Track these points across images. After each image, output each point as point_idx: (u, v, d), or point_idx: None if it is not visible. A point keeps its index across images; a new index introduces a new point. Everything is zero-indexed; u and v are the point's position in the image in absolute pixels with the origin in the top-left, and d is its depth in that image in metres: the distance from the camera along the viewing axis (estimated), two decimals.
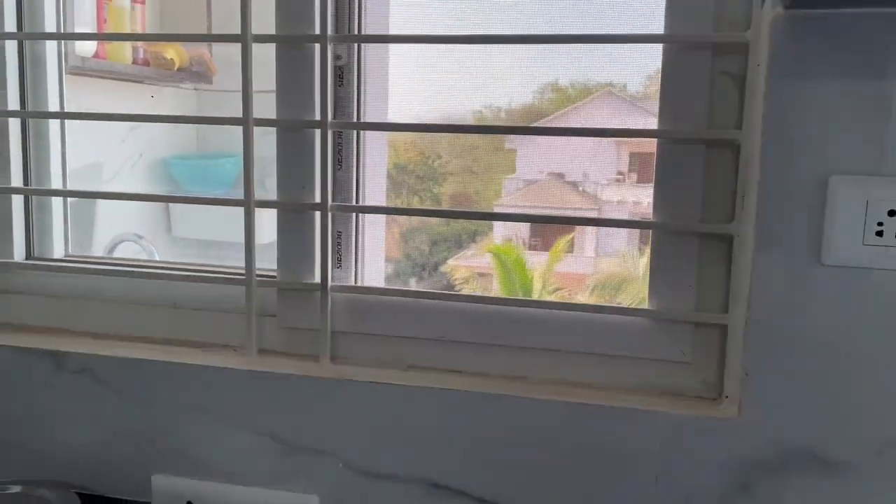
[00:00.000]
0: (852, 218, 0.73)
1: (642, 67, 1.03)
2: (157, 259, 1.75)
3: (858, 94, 0.72)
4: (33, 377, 0.97)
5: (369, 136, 0.98)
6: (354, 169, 0.97)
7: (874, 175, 0.73)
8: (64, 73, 1.08)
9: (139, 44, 1.76)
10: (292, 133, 0.93)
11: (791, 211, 0.76)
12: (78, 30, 1.49)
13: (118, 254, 1.76)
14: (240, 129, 0.91)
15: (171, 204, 1.99)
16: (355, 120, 0.94)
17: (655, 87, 0.83)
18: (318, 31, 0.89)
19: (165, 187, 1.97)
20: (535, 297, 4.86)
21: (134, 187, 1.90)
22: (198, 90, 2.02)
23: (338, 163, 0.96)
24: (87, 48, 1.53)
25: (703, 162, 0.82)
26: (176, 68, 1.80)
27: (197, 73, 1.86)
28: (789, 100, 0.74)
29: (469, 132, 1.38)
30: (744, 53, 0.78)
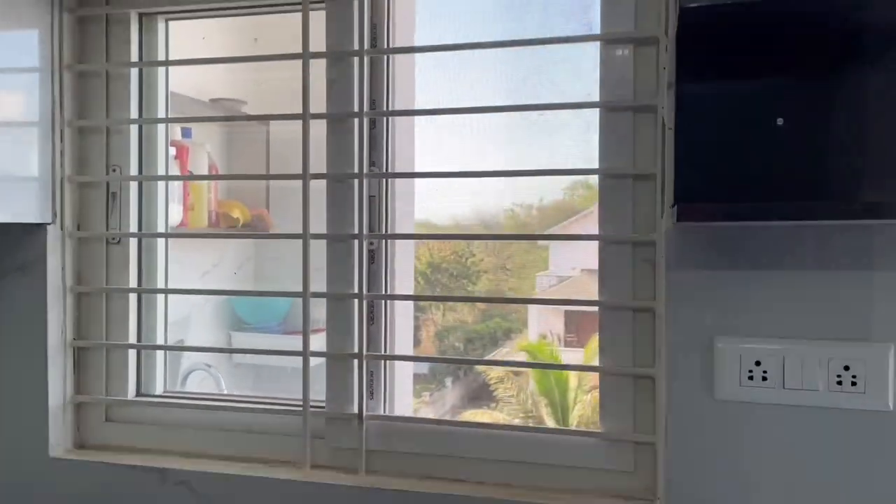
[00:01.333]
0: (731, 366, 1.03)
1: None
2: (223, 385, 2.10)
3: (728, 278, 1.04)
4: (144, 488, 1.29)
5: (398, 285, 1.32)
6: (384, 325, 1.30)
7: (744, 335, 1.03)
8: (168, 255, 1.46)
9: (213, 206, 2.17)
10: (338, 301, 1.27)
11: (691, 360, 1.06)
12: (171, 205, 1.90)
13: (191, 379, 2.11)
14: (289, 271, 1.26)
15: (231, 335, 2.35)
16: (384, 292, 1.29)
17: None
18: (356, 231, 1.25)
19: (229, 321, 2.35)
20: (570, 394, 5.08)
21: (203, 325, 2.27)
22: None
23: (370, 320, 1.30)
24: (175, 219, 1.93)
25: (631, 322, 1.14)
26: (241, 224, 2.21)
27: (258, 227, 2.26)
28: (684, 281, 1.06)
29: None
30: (653, 247, 1.11)
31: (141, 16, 1.40)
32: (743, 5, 0.95)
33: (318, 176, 1.26)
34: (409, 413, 1.38)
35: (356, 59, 1.24)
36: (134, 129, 1.39)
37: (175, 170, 1.94)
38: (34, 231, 1.34)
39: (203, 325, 2.31)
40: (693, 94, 1.04)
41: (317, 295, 1.27)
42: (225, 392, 2.10)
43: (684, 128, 1.04)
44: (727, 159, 1.02)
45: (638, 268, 1.14)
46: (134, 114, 1.38)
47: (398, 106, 1.30)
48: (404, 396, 1.39)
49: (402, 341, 1.36)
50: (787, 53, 1.01)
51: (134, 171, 1.39)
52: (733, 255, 1.04)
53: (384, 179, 1.28)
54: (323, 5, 1.27)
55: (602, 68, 1.15)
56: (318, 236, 1.26)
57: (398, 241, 1.32)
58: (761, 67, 1.02)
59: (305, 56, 1.25)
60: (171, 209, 1.79)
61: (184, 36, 1.69)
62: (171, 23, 1.44)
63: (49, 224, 1.34)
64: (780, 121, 1.02)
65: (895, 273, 0.99)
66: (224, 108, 2.12)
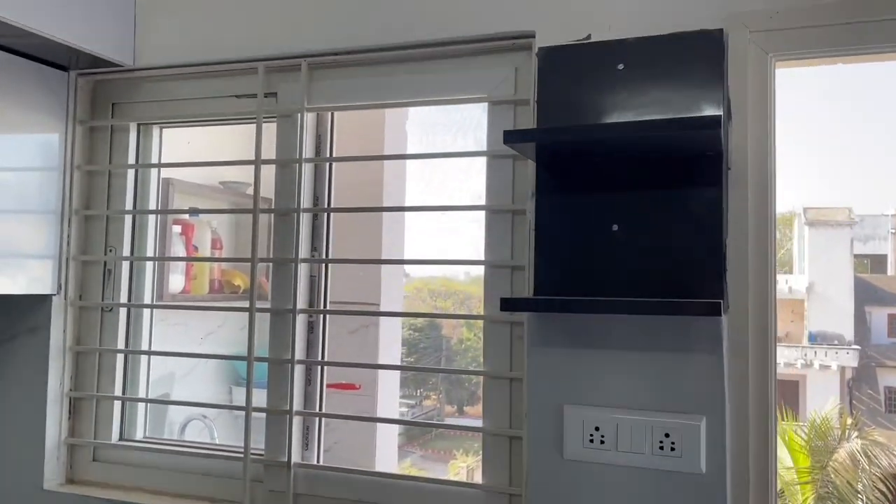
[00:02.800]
0: (575, 430, 1.22)
1: None
2: (215, 434, 2.36)
3: (575, 356, 1.24)
4: None
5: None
6: (318, 385, 1.54)
7: (586, 405, 1.23)
8: (153, 323, 1.73)
9: (216, 275, 2.47)
10: (276, 365, 1.51)
11: (546, 424, 1.25)
12: (171, 275, 2.19)
13: (189, 429, 2.37)
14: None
15: (232, 389, 2.62)
16: (320, 359, 1.53)
17: None
18: (293, 306, 1.50)
19: (232, 377, 2.62)
20: None
21: (204, 380, 2.56)
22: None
23: (307, 381, 1.54)
24: (177, 286, 2.23)
25: (507, 390, 1.34)
26: (242, 291, 2.50)
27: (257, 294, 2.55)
28: (541, 357, 1.27)
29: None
30: (522, 327, 1.33)
31: (139, 125, 1.72)
32: (572, 135, 1.18)
33: (264, 259, 1.53)
34: (394, 469, 1.60)
35: (297, 165, 1.51)
36: (128, 217, 1.69)
37: (180, 245, 2.25)
38: (42, 300, 1.64)
39: (206, 380, 2.59)
40: (548, 203, 1.27)
41: (259, 359, 1.52)
42: (217, 440, 2.35)
43: (540, 231, 1.27)
44: (572, 258, 1.25)
45: (514, 344, 1.35)
46: (129, 205, 1.69)
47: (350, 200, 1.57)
48: (387, 452, 1.62)
49: (387, 405, 1.61)
50: (618, 173, 1.23)
51: (127, 251, 1.68)
52: (581, 337, 1.25)
53: (323, 263, 1.54)
54: (275, 119, 1.55)
55: (487, 177, 1.39)
56: (262, 310, 1.52)
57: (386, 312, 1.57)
58: (599, 184, 1.24)
59: (257, 162, 1.53)
60: (173, 279, 2.09)
61: (185, 135, 2.01)
62: (164, 130, 1.75)
63: (55, 295, 1.64)
64: (615, 227, 1.24)
65: (708, 357, 1.17)
66: (231, 190, 2.43)
